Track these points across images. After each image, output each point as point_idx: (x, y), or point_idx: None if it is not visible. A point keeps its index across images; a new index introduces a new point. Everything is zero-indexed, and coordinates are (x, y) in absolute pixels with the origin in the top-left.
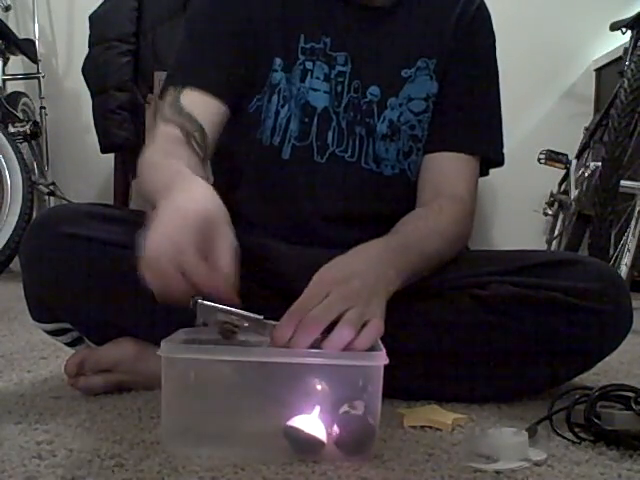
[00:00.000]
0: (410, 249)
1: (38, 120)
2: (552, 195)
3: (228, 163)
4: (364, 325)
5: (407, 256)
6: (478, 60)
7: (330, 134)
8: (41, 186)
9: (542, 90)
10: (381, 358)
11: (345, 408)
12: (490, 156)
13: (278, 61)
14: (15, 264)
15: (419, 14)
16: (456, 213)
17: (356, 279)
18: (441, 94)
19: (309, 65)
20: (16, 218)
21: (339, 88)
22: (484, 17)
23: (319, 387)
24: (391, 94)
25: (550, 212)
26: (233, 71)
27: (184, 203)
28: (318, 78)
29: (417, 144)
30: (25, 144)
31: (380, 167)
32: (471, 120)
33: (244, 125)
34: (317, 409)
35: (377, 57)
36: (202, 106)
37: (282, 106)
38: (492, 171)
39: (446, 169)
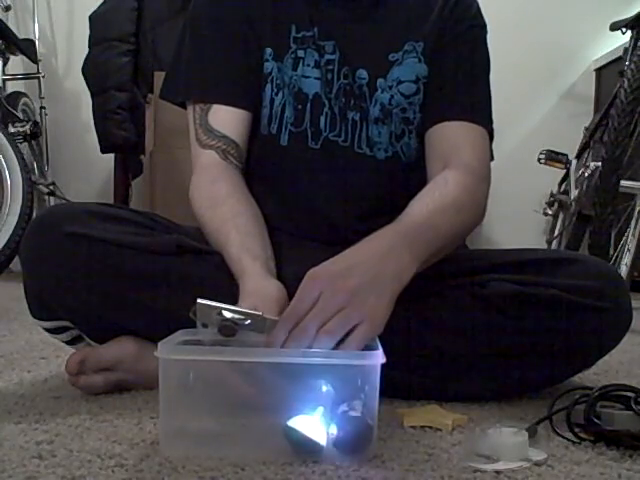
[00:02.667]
0: (422, 228)
1: (38, 120)
2: (552, 195)
3: None
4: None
5: (420, 236)
6: (467, 38)
7: (323, 119)
8: (41, 186)
9: (542, 90)
10: (377, 357)
11: (344, 408)
12: (486, 127)
13: (269, 51)
14: (15, 264)
15: (404, 2)
16: (465, 181)
17: (353, 275)
18: (433, 73)
19: (301, 53)
20: (16, 218)
21: (329, 75)
22: (469, 0)
23: (324, 388)
24: (378, 75)
25: (550, 212)
26: (248, 75)
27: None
28: (309, 65)
29: (409, 126)
30: (25, 144)
31: (373, 151)
32: (465, 92)
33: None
34: (320, 410)
35: (364, 43)
36: (231, 120)
37: (276, 94)
38: (492, 171)
39: (449, 138)
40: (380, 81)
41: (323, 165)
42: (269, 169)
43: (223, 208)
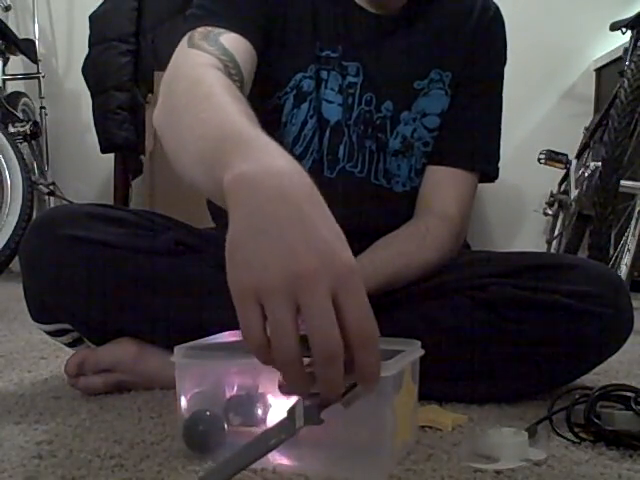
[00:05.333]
0: (368, 278)
1: (38, 120)
2: (552, 195)
3: None
4: None
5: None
6: (489, 75)
7: (341, 148)
8: (41, 186)
9: (542, 90)
10: None
11: None
12: (487, 172)
13: (312, 68)
14: (15, 264)
15: (434, 24)
16: (442, 235)
17: None
18: (448, 106)
19: (324, 74)
20: (16, 218)
21: (350, 100)
22: (499, 29)
23: None
24: (403, 108)
25: (550, 212)
26: (261, 31)
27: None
28: (333, 89)
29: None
30: (25, 144)
31: (391, 183)
32: (475, 136)
33: (261, 122)
34: None
35: (389, 68)
36: (241, 47)
37: (311, 117)
38: None
39: (442, 184)
40: (404, 114)
41: (333, 196)
42: None
43: (209, 79)
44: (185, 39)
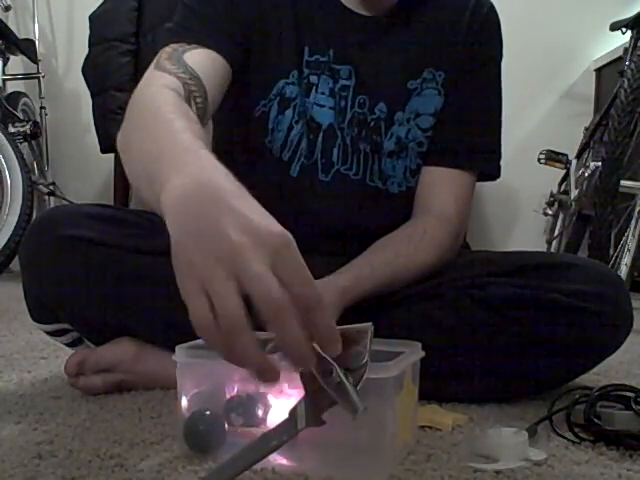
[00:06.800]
0: (366, 280)
1: (38, 120)
2: (552, 195)
3: (229, 166)
4: None
5: (361, 293)
6: (484, 73)
7: (335, 151)
8: (41, 186)
9: (542, 90)
10: None
11: None
12: (487, 171)
13: (295, 74)
14: (15, 264)
15: (425, 23)
16: (441, 235)
17: None
18: (444, 106)
19: (314, 79)
20: (16, 218)
21: (343, 103)
22: (493, 26)
23: None
24: (397, 109)
25: (550, 212)
26: (236, 42)
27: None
28: (323, 93)
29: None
30: (25, 144)
31: (386, 184)
32: (471, 135)
33: (249, 130)
34: None
35: (381, 69)
36: (207, 63)
37: (296, 122)
38: None
39: (440, 185)
40: (398, 114)
41: (329, 198)
42: (273, 194)
43: (159, 100)
44: (155, 59)
